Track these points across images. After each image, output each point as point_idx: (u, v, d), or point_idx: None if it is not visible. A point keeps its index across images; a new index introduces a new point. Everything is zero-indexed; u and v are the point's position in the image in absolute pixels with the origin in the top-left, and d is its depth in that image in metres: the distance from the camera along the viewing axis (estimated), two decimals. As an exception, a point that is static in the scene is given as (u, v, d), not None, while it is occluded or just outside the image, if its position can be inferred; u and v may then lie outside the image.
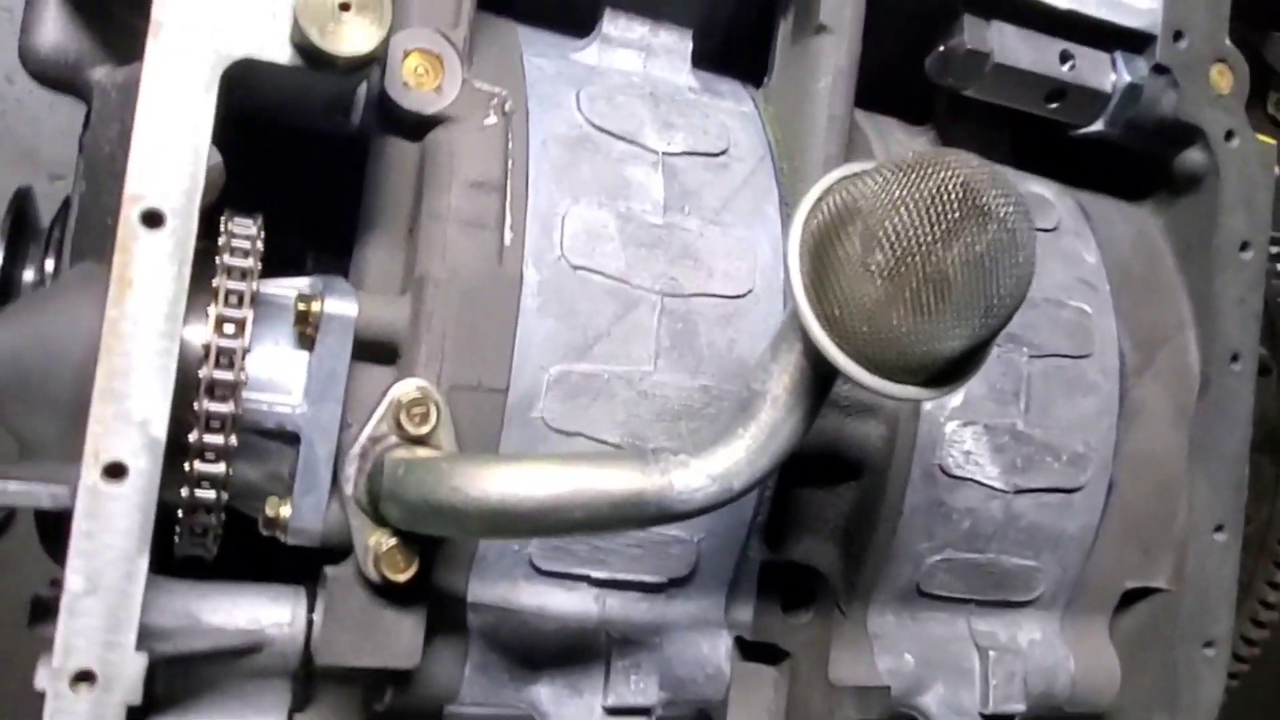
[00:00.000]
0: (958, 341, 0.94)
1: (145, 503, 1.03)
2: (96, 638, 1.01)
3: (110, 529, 1.02)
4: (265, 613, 1.19)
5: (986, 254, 0.91)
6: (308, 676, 1.22)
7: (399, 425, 1.08)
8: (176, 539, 1.15)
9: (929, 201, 0.90)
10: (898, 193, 0.91)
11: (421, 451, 1.07)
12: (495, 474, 0.98)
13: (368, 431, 1.09)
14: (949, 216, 0.90)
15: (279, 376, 1.15)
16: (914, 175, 0.91)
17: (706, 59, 1.45)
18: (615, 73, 1.37)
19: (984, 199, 0.91)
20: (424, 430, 1.08)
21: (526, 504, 0.97)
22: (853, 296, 0.93)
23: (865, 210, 0.92)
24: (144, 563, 1.03)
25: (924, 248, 0.90)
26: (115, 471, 1.02)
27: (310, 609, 1.19)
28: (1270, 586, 1.68)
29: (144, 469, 1.02)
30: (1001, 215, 0.91)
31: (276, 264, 1.17)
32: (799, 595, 1.34)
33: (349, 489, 1.09)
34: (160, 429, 1.03)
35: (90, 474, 1.01)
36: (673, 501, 0.99)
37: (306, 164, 1.36)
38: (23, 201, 1.49)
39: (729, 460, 1.01)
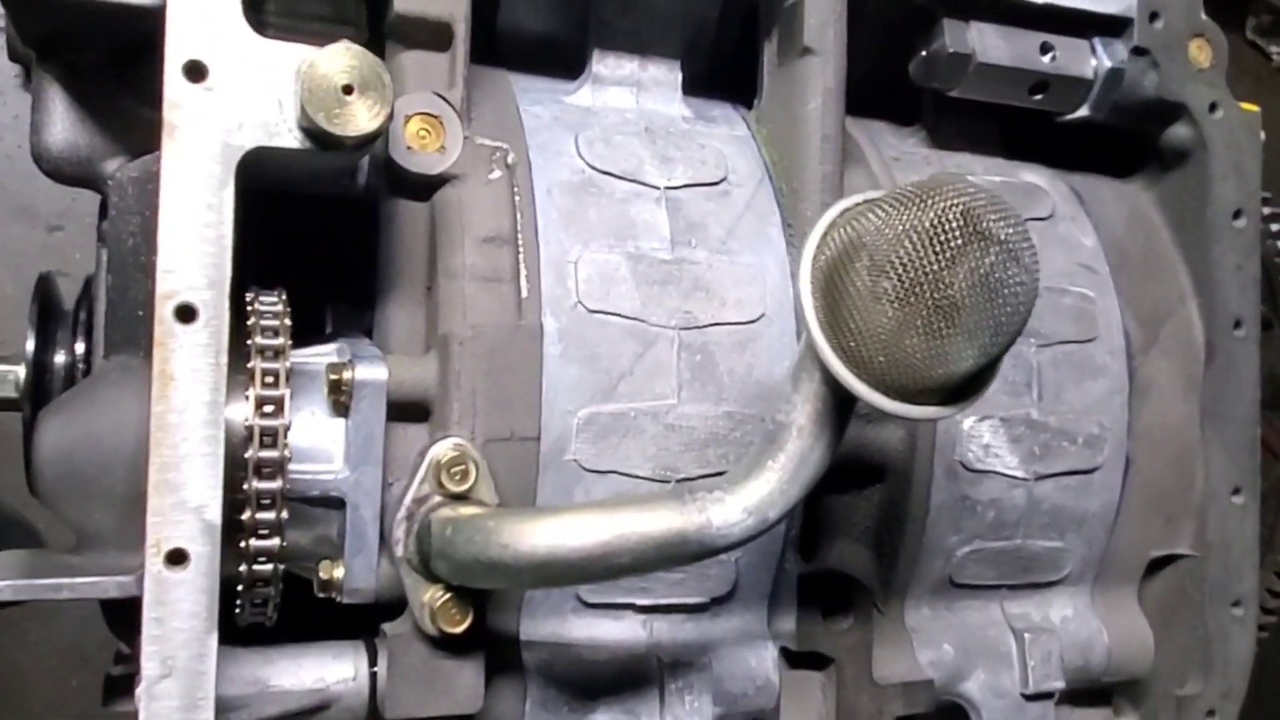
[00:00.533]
0: (970, 361, 0.98)
1: (209, 585, 1.07)
2: (177, 718, 1.06)
3: (178, 614, 1.06)
4: (329, 671, 1.23)
5: (991, 275, 0.94)
6: (379, 724, 1.27)
7: (440, 485, 1.13)
8: (238, 611, 1.20)
9: (932, 231, 0.93)
10: (900, 225, 0.94)
11: (465, 509, 1.11)
12: (541, 528, 1.02)
13: (411, 494, 1.14)
14: (952, 244, 0.93)
15: (319, 445, 1.20)
16: (915, 207, 0.94)
17: (694, 82, 1.49)
18: (610, 112, 1.40)
19: (984, 224, 0.94)
20: (465, 487, 1.13)
21: (575, 555, 1.01)
22: (867, 328, 0.96)
23: (870, 245, 0.96)
24: (213, 641, 1.07)
25: (931, 276, 0.93)
26: (177, 559, 1.06)
27: (371, 662, 1.23)
28: (1290, 540, 1.72)
29: (204, 553, 1.07)
30: (1002, 238, 0.95)
31: (297, 324, 1.21)
32: (838, 602, 1.39)
33: (399, 550, 1.13)
34: (215, 514, 1.07)
35: (154, 564, 1.06)
36: (713, 538, 1.03)
37: (314, 222, 1.40)
38: (47, 287, 1.52)
39: (762, 492, 1.05)
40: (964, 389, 1.03)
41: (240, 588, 1.16)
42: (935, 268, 0.93)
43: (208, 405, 1.07)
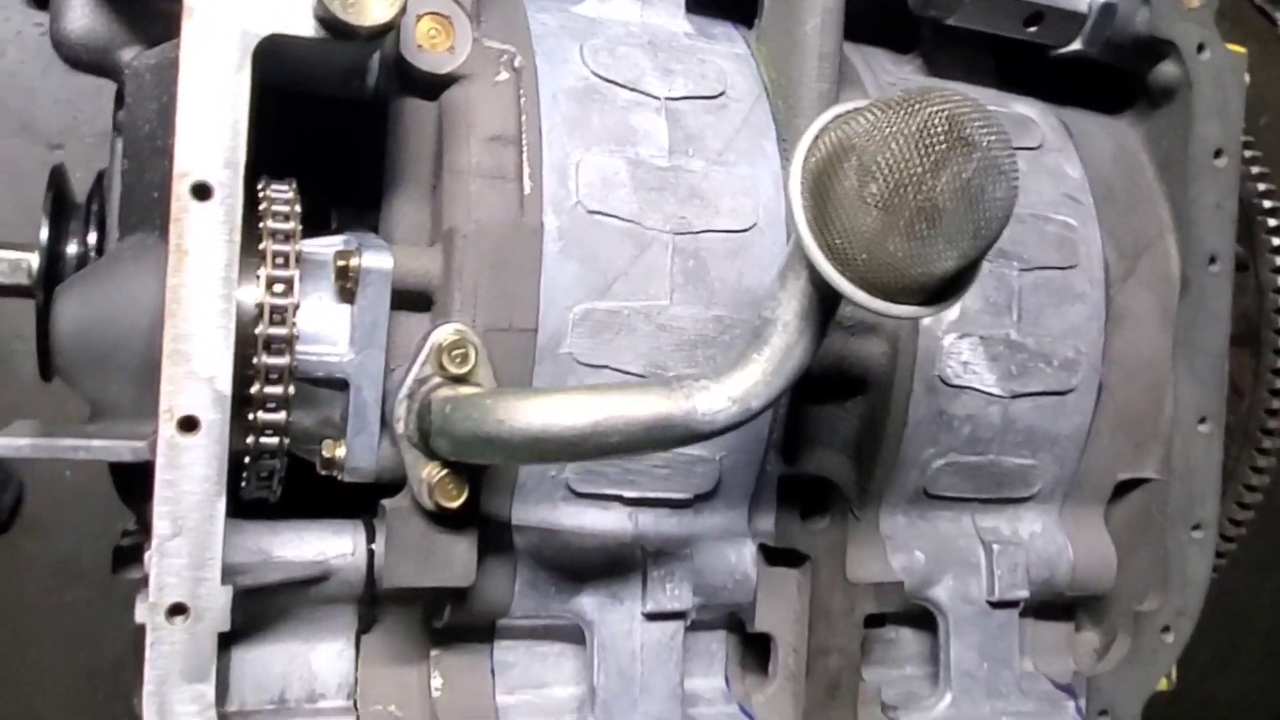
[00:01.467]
0: (950, 263, 1.03)
1: (218, 451, 1.13)
2: (186, 574, 1.12)
3: (189, 477, 1.12)
4: (329, 545, 1.30)
5: (972, 181, 0.99)
6: (372, 601, 1.34)
7: (441, 366, 1.18)
8: (244, 484, 1.26)
9: (917, 135, 0.98)
10: (888, 129, 0.99)
11: (464, 389, 1.16)
12: (536, 406, 1.08)
13: (413, 374, 1.19)
14: (936, 148, 0.98)
15: (325, 329, 1.25)
16: (902, 112, 0.99)
17: (699, 2, 1.52)
18: (614, 23, 1.44)
19: (968, 130, 0.99)
20: (464, 370, 1.18)
21: (567, 432, 1.07)
22: (852, 227, 1.01)
23: (859, 147, 1.00)
24: (222, 505, 1.13)
25: (915, 179, 0.97)
26: (189, 425, 1.12)
27: (369, 540, 1.30)
28: (1252, 470, 1.79)
29: (214, 420, 1.13)
30: (985, 145, 0.99)
31: (304, 222, 1.25)
32: (816, 504, 1.45)
33: (400, 427, 1.19)
34: (225, 384, 1.13)
35: (167, 428, 1.12)
36: (698, 423, 1.09)
37: (322, 125, 1.44)
38: (59, 179, 1.56)
39: (747, 383, 1.10)
40: (943, 290, 1.08)
41: (247, 460, 1.22)
42: (919, 171, 0.98)
43: (221, 280, 1.12)
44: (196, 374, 1.12)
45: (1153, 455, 1.64)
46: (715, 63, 1.43)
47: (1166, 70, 1.64)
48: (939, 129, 0.98)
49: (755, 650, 1.50)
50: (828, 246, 1.03)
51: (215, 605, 1.14)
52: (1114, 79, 1.72)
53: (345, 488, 1.29)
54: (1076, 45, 1.60)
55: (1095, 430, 1.59)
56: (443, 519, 1.22)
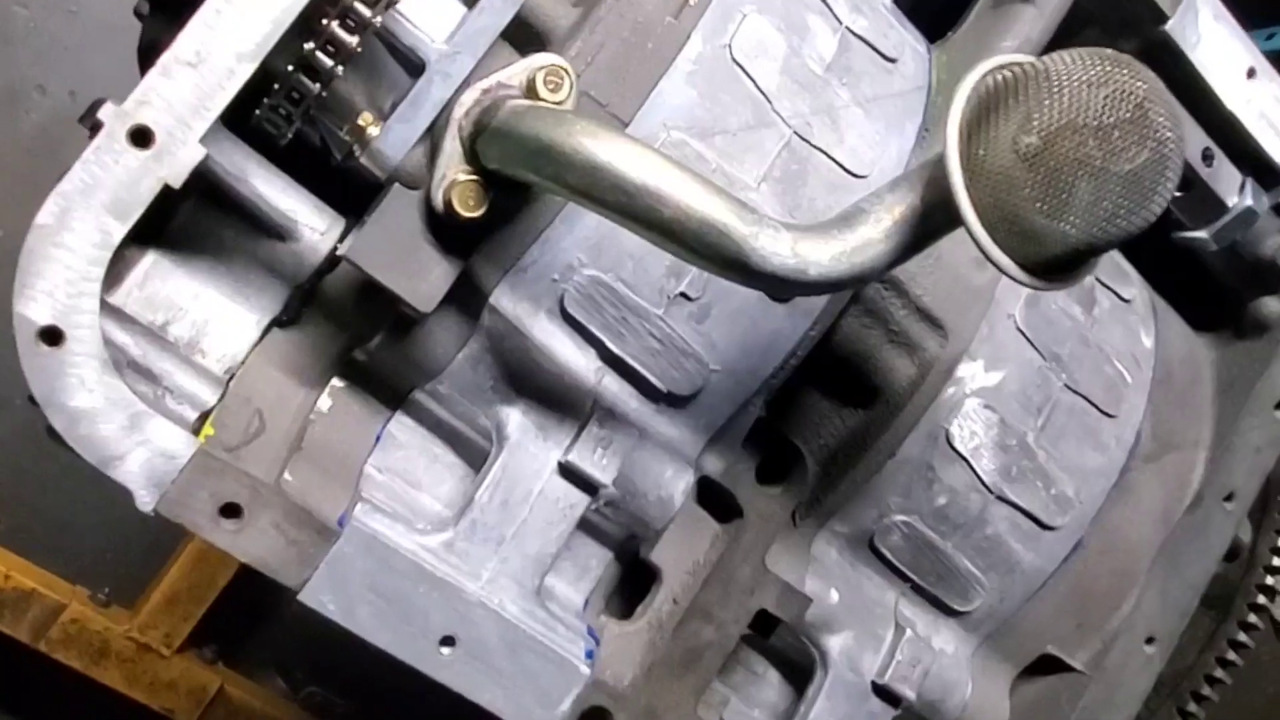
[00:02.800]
0: (1068, 230, 0.96)
1: (283, 18, 1.03)
2: (175, 112, 1.01)
3: (238, 28, 1.02)
4: (305, 212, 1.18)
5: (1136, 164, 0.94)
6: (308, 297, 1.20)
7: (530, 85, 1.09)
8: (265, 102, 1.14)
9: (1109, 93, 0.93)
10: (1086, 74, 0.95)
11: (552, 105, 1.08)
12: (617, 140, 0.99)
13: (501, 77, 1.10)
14: (1118, 114, 0.93)
15: (434, 14, 1.16)
16: (1108, 66, 0.95)
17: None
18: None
19: (1154, 116, 0.94)
20: (555, 98, 1.09)
21: (628, 176, 0.97)
22: (999, 143, 0.95)
23: (1053, 73, 0.96)
24: (249, 69, 1.03)
25: (1082, 129, 0.92)
26: (261, -25, 1.02)
27: (343, 237, 1.18)
28: (1165, 726, 1.68)
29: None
30: (1160, 136, 0.95)
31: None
32: (774, 472, 1.34)
33: (459, 112, 1.09)
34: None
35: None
36: (751, 251, 0.99)
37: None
38: None
39: (816, 247, 1.02)
40: (1043, 265, 1.01)
41: (277, 86, 1.11)
42: (1091, 124, 0.93)
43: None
44: (303, -62, 1.03)
45: (1089, 646, 1.54)
46: (900, 38, 1.41)
47: (1270, 305, 1.63)
48: (1129, 99, 0.93)
49: (628, 595, 1.35)
50: (966, 154, 0.97)
51: (181, 158, 1.01)
52: (1211, 298, 1.71)
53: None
54: (1204, 234, 1.60)
55: (1052, 584, 1.49)
56: (441, 229, 1.10)
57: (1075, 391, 1.46)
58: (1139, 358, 1.55)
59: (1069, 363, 1.45)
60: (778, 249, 1.01)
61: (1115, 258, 1.60)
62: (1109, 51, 0.96)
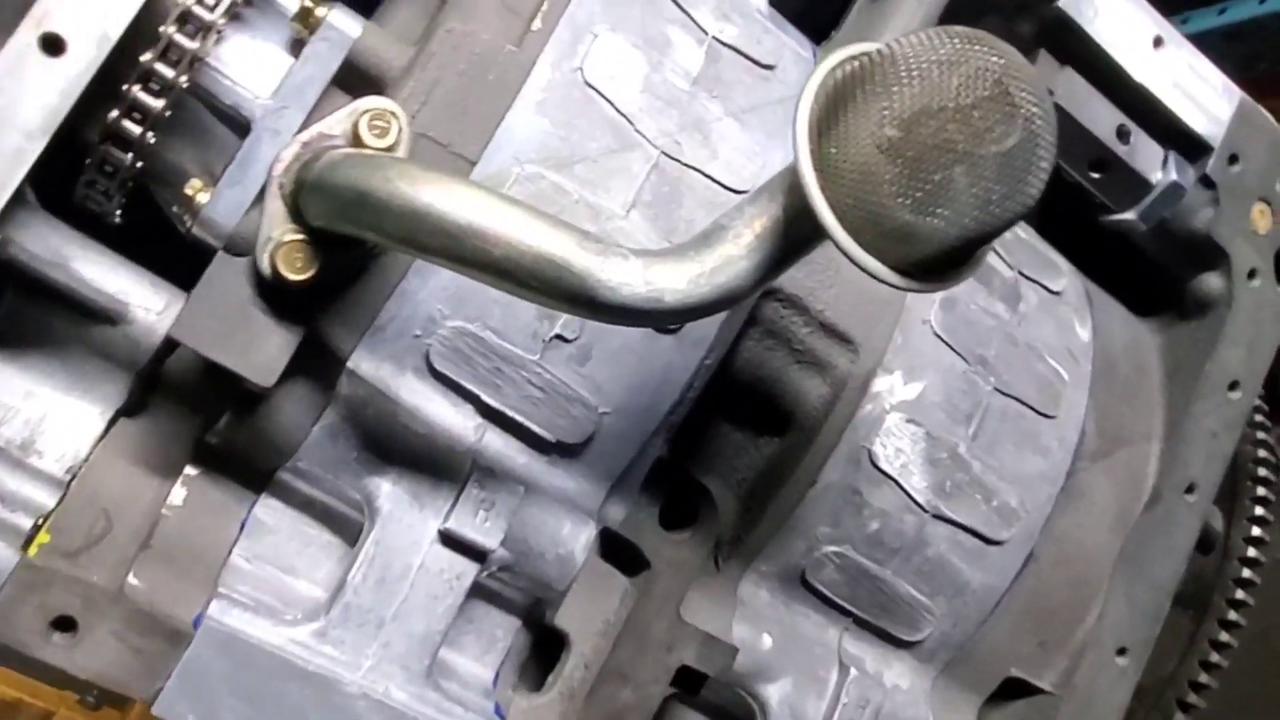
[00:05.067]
0: (939, 226, 0.88)
1: (70, 89, 0.96)
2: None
3: (22, 97, 0.94)
4: (138, 292, 1.10)
5: (1002, 146, 0.86)
6: (149, 382, 1.12)
7: (356, 132, 1.02)
8: (83, 177, 1.07)
9: (963, 72, 0.85)
10: (937, 55, 0.87)
11: (370, 151, 1.00)
12: (433, 180, 0.91)
13: (323, 126, 1.03)
14: (976, 94, 0.85)
15: (256, 68, 1.10)
16: (960, 43, 0.87)
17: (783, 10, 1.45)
18: (694, -38, 1.35)
19: (1015, 92, 0.86)
20: (381, 144, 1.02)
21: (450, 218, 0.89)
22: (853, 139, 0.87)
23: (900, 57, 0.88)
24: (40, 145, 0.96)
25: (940, 113, 0.84)
26: (53, 45, 0.95)
27: (184, 313, 1.10)
28: (1154, 743, 1.56)
29: (86, 57, 0.96)
30: (1027, 114, 0.86)
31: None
32: (680, 516, 1.24)
33: (278, 169, 1.01)
34: (118, 27, 0.98)
35: (26, 36, 0.95)
36: (597, 284, 0.91)
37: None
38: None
39: (670, 273, 0.93)
40: (923, 266, 0.93)
41: (98, 141, 1.04)
42: (948, 106, 0.85)
43: (170, -77, 0.98)
44: (91, -2, 0.96)
45: (1055, 665, 1.43)
46: (776, 44, 1.33)
47: (1209, 282, 1.54)
48: (986, 75, 0.85)
49: (542, 661, 1.25)
50: (819, 154, 0.89)
51: (-33, 247, 0.93)
52: (1149, 281, 1.62)
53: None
54: (1131, 215, 1.51)
55: (1006, 603, 1.38)
56: (272, 295, 1.02)
57: (1006, 394, 1.36)
58: (1075, 352, 1.46)
59: (996, 364, 1.36)
60: (627, 278, 0.92)
61: (1041, 248, 1.52)
62: (959, 29, 0.88)
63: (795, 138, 0.89)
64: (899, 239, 0.88)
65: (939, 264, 0.92)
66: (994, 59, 0.86)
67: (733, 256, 0.95)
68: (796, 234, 0.95)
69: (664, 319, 0.95)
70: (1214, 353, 1.51)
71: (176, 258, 1.13)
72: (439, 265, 0.92)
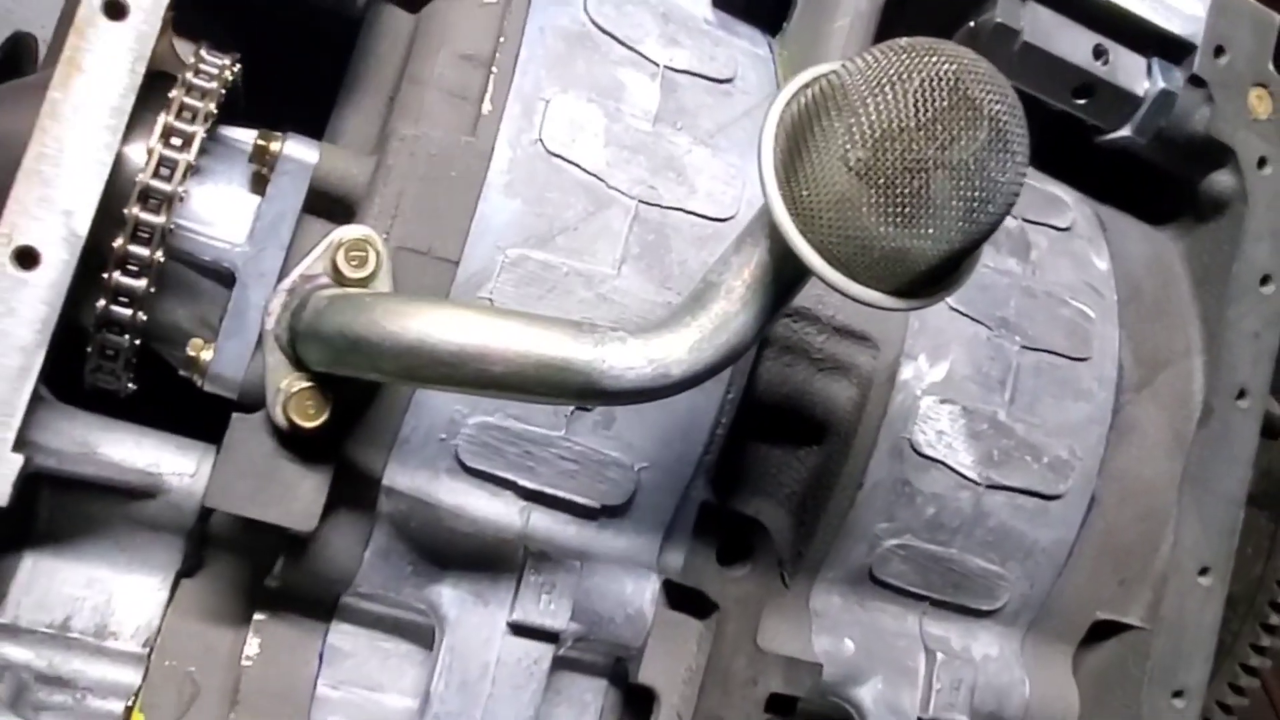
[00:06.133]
0: (929, 245, 0.86)
1: (53, 297, 0.97)
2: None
3: (11, 316, 0.96)
4: (168, 460, 1.12)
5: (972, 152, 0.84)
6: (202, 540, 1.15)
7: (335, 267, 1.02)
8: (88, 364, 1.09)
9: (917, 85, 0.83)
10: (884, 74, 0.85)
11: (351, 291, 1.00)
12: (418, 312, 0.91)
13: (302, 269, 1.03)
14: (935, 104, 0.83)
15: (226, 215, 1.10)
16: (905, 58, 0.85)
17: (730, 6, 1.42)
18: (631, -14, 1.33)
19: (975, 93, 0.84)
20: (361, 274, 1.02)
21: (444, 349, 0.90)
22: (823, 177, 0.86)
23: (849, 85, 0.86)
24: (39, 357, 0.97)
25: (903, 133, 0.83)
26: (27, 258, 0.97)
27: (217, 467, 1.12)
28: (1253, 649, 1.55)
29: (60, 261, 0.97)
30: (992, 113, 0.85)
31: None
32: (738, 550, 1.25)
33: (270, 323, 1.02)
34: (83, 224, 0.98)
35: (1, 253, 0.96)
36: (601, 376, 0.91)
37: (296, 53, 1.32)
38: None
39: (670, 345, 0.93)
40: (919, 283, 0.91)
41: (92, 329, 1.06)
42: (910, 125, 0.83)
43: (111, 109, 0.99)
44: (52, 202, 0.97)
45: (1139, 599, 1.42)
46: (730, 52, 1.31)
47: (1221, 180, 1.49)
48: (943, 84, 0.83)
49: (636, 713, 1.27)
50: (792, 198, 0.88)
51: (2, 471, 0.96)
52: (1161, 188, 1.58)
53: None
54: (1126, 131, 1.47)
55: (1078, 551, 1.38)
56: (294, 443, 1.04)
57: (1035, 349, 1.34)
58: (1097, 284, 1.43)
59: (1019, 322, 1.34)
60: (630, 362, 0.92)
61: (1040, 185, 1.48)
62: (903, 41, 0.86)
63: (765, 188, 0.89)
64: (891, 262, 0.87)
65: (938, 274, 0.91)
66: (945, 65, 0.84)
67: (729, 313, 0.95)
68: (787, 276, 0.95)
69: (674, 391, 0.95)
70: (1239, 250, 1.47)
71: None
72: (450, 392, 0.93)
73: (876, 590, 1.33)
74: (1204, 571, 1.43)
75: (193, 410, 1.16)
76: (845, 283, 0.88)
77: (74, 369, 1.12)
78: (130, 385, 1.12)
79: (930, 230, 0.86)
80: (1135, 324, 1.43)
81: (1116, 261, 1.47)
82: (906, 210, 0.84)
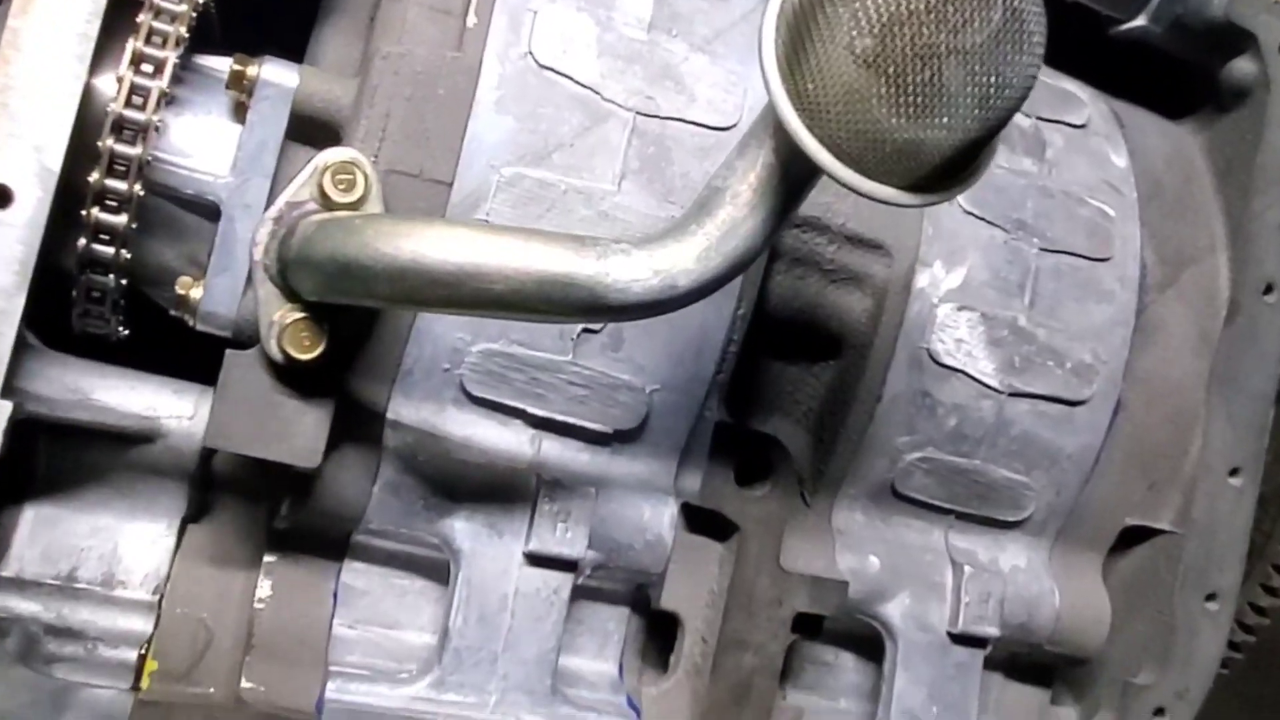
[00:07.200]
0: (943, 135, 0.82)
1: (29, 235, 0.93)
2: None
3: (-13, 258, 0.92)
4: (165, 403, 1.09)
5: (983, 35, 0.79)
6: (206, 483, 1.12)
7: (322, 191, 0.98)
8: (74, 307, 1.05)
9: None
10: None
11: (340, 215, 0.96)
12: (412, 232, 0.87)
13: (287, 195, 0.99)
14: None
15: (207, 147, 1.06)
16: None
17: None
18: (618, -106, 1.26)
19: None
20: (350, 198, 0.98)
21: (440, 268, 0.86)
22: (829, 68, 0.81)
23: (855, -35, 0.80)
24: (20, 300, 0.94)
25: (914, 18, 0.77)
26: (1, 197, 0.93)
27: (216, 410, 1.08)
28: (1287, 550, 1.53)
29: (34, 199, 0.93)
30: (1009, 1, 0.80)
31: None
32: (756, 469, 1.22)
33: (258, 254, 0.98)
34: (55, 159, 0.94)
35: (-28, 194, 0.92)
36: (606, 289, 0.87)
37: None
38: None
39: (676, 255, 0.89)
40: (934, 177, 0.87)
41: (76, 270, 1.02)
42: (919, 8, 0.78)
43: (78, 35, 0.94)
44: (19, 137, 0.93)
45: (1169, 503, 1.39)
46: (725, -45, 1.25)
47: (1241, 67, 1.43)
48: None
49: (660, 639, 1.25)
50: (797, 94, 0.83)
51: (-12, 421, 0.93)
52: (1178, 79, 1.51)
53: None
54: (1142, 20, 1.41)
55: (1105, 457, 1.34)
56: (292, 378, 1.00)
57: (1054, 251, 1.30)
58: (1115, 182, 1.38)
59: (1036, 224, 1.29)
60: (635, 274, 0.88)
61: (1054, 82, 1.42)
62: None
63: (768, 84, 0.83)
64: (904, 155, 0.83)
65: (953, 167, 0.86)
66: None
67: (736, 219, 0.90)
68: (795, 176, 0.90)
69: (683, 303, 0.90)
70: (1262, 140, 1.41)
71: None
72: (449, 314, 0.89)
73: (900, 505, 1.30)
74: (1234, 472, 1.39)
75: (190, 358, 1.13)
76: (857, 179, 0.83)
77: (65, 317, 1.09)
78: (121, 329, 1.09)
79: (944, 120, 0.81)
80: (1157, 222, 1.38)
81: (1135, 158, 1.41)
82: (918, 100, 0.79)
